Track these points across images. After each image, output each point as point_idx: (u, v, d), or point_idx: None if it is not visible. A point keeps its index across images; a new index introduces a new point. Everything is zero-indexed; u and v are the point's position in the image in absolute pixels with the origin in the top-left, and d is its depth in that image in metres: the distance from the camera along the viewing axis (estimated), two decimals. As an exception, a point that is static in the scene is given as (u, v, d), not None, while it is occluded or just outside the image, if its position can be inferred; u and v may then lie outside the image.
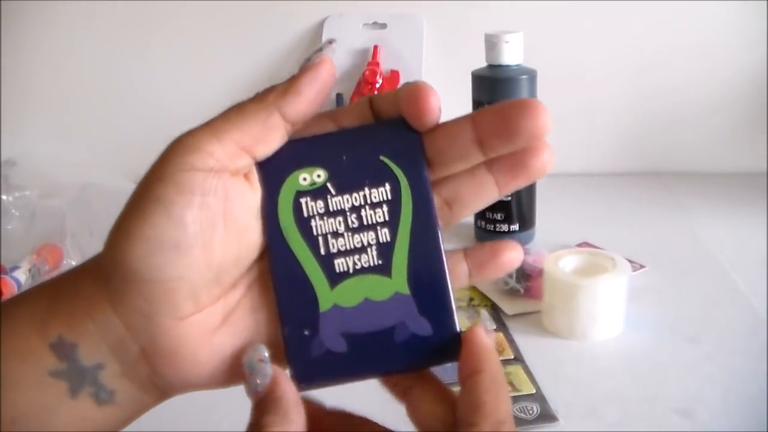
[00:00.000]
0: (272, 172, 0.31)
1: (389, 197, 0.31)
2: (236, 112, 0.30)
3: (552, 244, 0.74)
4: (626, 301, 0.61)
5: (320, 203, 0.31)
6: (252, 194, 0.31)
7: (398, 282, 0.31)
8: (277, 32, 1.00)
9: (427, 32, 0.98)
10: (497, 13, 0.97)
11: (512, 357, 0.57)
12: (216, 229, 0.29)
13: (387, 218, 0.31)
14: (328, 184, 0.31)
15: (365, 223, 0.31)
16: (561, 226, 0.82)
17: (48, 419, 0.29)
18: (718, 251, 0.75)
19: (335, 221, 0.31)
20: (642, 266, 0.72)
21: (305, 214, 0.31)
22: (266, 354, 0.29)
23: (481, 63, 0.76)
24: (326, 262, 0.31)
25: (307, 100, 0.30)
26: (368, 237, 0.31)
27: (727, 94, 0.97)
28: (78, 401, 0.29)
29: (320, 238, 0.31)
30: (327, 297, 0.31)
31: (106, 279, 0.29)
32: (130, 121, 1.02)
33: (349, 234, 0.31)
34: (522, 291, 0.66)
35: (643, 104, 0.99)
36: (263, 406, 0.28)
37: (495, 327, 0.31)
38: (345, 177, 0.31)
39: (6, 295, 0.68)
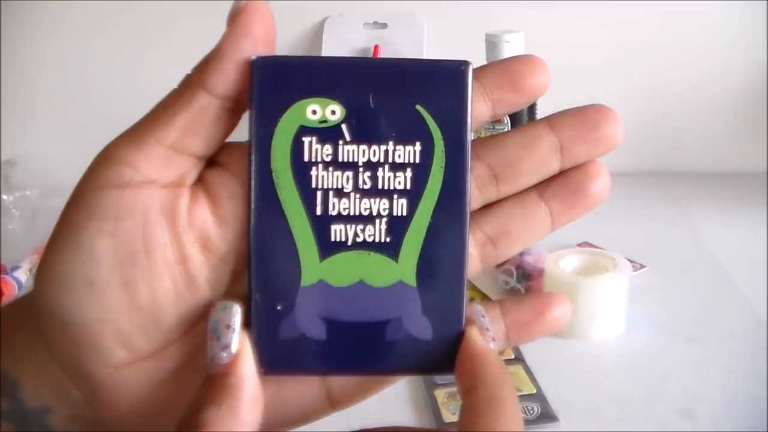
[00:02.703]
0: (274, 92, 0.24)
1: (417, 160, 0.25)
2: (158, 105, 0.24)
3: (552, 243, 0.74)
4: (627, 301, 0.61)
5: (328, 148, 0.25)
6: (203, 209, 0.25)
7: (405, 269, 0.25)
8: (276, 32, 1.00)
9: (427, 32, 0.98)
10: (497, 12, 0.97)
11: (513, 357, 0.57)
12: (136, 263, 0.24)
13: (408, 186, 0.25)
14: (343, 126, 0.25)
15: (381, 186, 0.25)
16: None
17: None
18: (718, 251, 0.75)
19: (342, 176, 0.25)
20: (642, 266, 0.72)
21: (305, 158, 0.24)
22: (237, 320, 0.23)
23: (481, 63, 0.75)
24: (320, 224, 0.25)
25: (236, 63, 0.23)
26: (380, 205, 0.25)
27: (728, 95, 0.97)
28: None
29: (319, 193, 0.25)
30: (313, 269, 0.25)
31: (38, 316, 0.25)
32: (130, 121, 1.02)
33: (357, 196, 0.25)
34: (522, 291, 0.66)
35: (644, 104, 0.99)
36: (211, 391, 0.23)
37: (488, 325, 0.26)
38: (366, 121, 0.25)
39: (7, 295, 0.68)
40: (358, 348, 0.25)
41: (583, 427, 0.50)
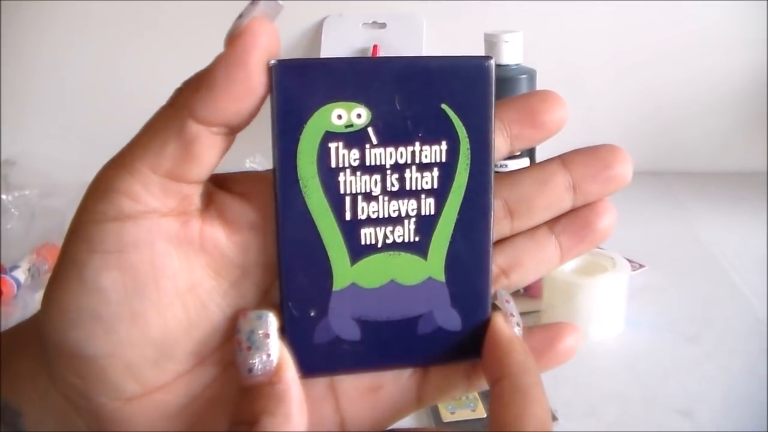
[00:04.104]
0: (296, 99, 0.23)
1: (443, 159, 0.25)
2: (145, 129, 0.23)
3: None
4: (626, 300, 0.61)
5: (355, 153, 0.24)
6: (218, 235, 0.24)
7: (434, 266, 0.25)
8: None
9: (426, 32, 0.98)
10: (496, 12, 0.97)
11: (512, 357, 0.57)
12: (146, 295, 0.23)
13: (435, 185, 0.25)
14: (369, 129, 0.24)
15: (408, 187, 0.25)
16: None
17: None
18: (718, 251, 0.75)
19: (370, 180, 0.24)
20: (642, 266, 0.72)
21: (332, 165, 0.24)
22: (274, 328, 0.23)
23: (480, 62, 0.75)
24: (350, 230, 0.25)
25: (227, 94, 0.22)
26: (409, 206, 0.25)
27: (728, 94, 0.97)
28: None
29: (347, 199, 0.24)
30: (344, 273, 0.25)
31: (43, 347, 0.24)
32: (130, 121, 1.02)
33: (386, 199, 0.25)
34: (521, 290, 0.66)
35: (643, 103, 0.99)
36: (260, 402, 0.23)
37: (513, 310, 0.26)
38: (393, 122, 0.24)
39: (6, 294, 0.68)
40: (391, 344, 0.26)
41: (582, 427, 0.50)
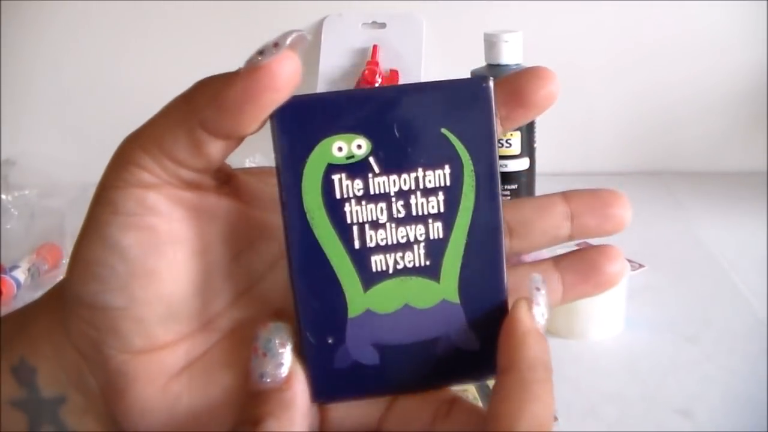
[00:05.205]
0: (297, 135, 0.24)
1: (448, 183, 0.25)
2: (161, 116, 0.24)
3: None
4: (625, 300, 0.61)
5: (358, 183, 0.25)
6: (229, 203, 0.26)
7: (447, 288, 0.26)
8: (276, 32, 1.00)
9: (426, 32, 0.98)
10: (496, 12, 0.97)
11: (512, 357, 0.57)
12: (162, 254, 0.25)
13: (442, 209, 0.25)
14: (371, 159, 0.25)
15: (415, 213, 0.25)
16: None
17: None
18: (718, 251, 0.75)
19: (376, 208, 0.25)
20: (641, 266, 0.72)
21: (337, 196, 0.25)
22: (291, 340, 0.24)
23: (480, 62, 0.75)
24: (360, 258, 0.25)
25: (235, 120, 0.23)
26: (417, 231, 0.25)
27: (727, 94, 0.97)
28: None
29: (355, 228, 0.25)
30: (358, 300, 0.25)
31: (63, 301, 0.26)
32: (130, 121, 1.02)
33: (393, 225, 0.25)
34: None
35: (643, 103, 0.99)
36: (267, 405, 0.24)
37: (542, 299, 0.26)
38: (394, 151, 0.25)
39: (5, 295, 0.68)
40: (411, 367, 0.26)
41: (581, 427, 0.50)
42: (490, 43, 0.74)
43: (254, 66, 0.23)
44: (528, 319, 0.25)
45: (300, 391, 0.24)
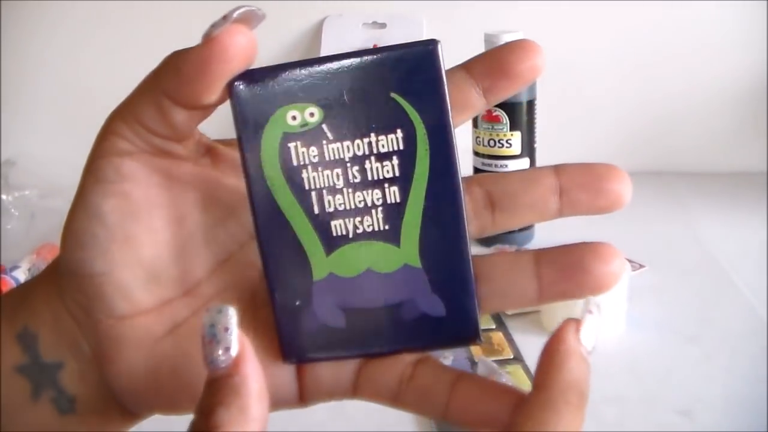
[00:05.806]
0: (253, 105, 0.25)
1: (401, 147, 0.25)
2: (138, 89, 0.26)
3: (551, 243, 0.74)
4: (626, 300, 0.61)
5: (313, 149, 0.25)
6: (206, 171, 0.27)
7: (408, 252, 0.26)
8: (276, 32, 1.00)
9: (426, 32, 0.98)
10: (496, 12, 0.97)
11: (512, 356, 0.57)
12: (139, 219, 0.26)
13: (397, 173, 0.25)
14: (324, 126, 0.25)
15: (370, 178, 0.25)
16: (560, 225, 0.82)
17: (9, 422, 0.27)
18: (718, 251, 0.75)
19: (332, 174, 0.25)
20: (642, 266, 0.72)
21: (294, 162, 0.25)
22: (233, 321, 0.23)
23: (480, 63, 0.75)
24: (321, 223, 0.26)
25: (192, 89, 0.24)
26: (374, 196, 0.26)
27: (728, 94, 0.97)
28: (39, 405, 0.27)
29: (313, 194, 0.26)
30: (321, 264, 0.26)
31: (59, 272, 0.28)
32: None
33: (350, 191, 0.26)
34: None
35: (644, 104, 0.99)
36: (217, 394, 0.23)
37: (592, 323, 0.24)
38: (345, 118, 0.25)
39: (5, 295, 0.68)
40: (377, 331, 0.27)
41: (582, 427, 0.50)
42: (490, 43, 0.74)
43: (207, 38, 0.24)
44: (573, 341, 0.24)
45: (250, 373, 0.23)
